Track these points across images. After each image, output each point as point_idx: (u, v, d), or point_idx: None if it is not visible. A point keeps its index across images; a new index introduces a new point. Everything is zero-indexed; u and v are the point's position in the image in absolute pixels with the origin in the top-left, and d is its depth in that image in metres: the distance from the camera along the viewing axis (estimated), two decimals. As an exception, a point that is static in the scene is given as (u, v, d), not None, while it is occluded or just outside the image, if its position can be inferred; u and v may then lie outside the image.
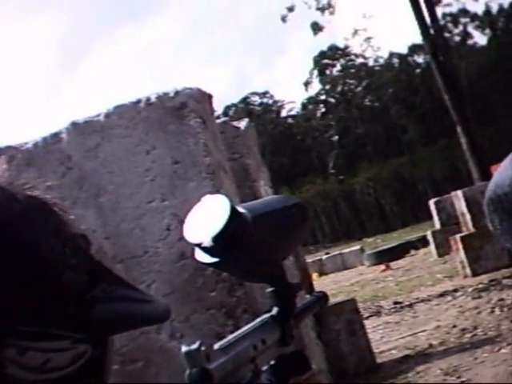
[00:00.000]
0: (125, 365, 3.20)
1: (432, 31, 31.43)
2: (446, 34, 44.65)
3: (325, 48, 77.78)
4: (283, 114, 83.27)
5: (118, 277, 0.77)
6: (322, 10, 39.79)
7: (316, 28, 44.39)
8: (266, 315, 1.02)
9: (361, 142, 78.79)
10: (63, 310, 0.66)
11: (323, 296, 1.15)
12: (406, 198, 72.50)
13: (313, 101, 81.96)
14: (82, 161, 3.28)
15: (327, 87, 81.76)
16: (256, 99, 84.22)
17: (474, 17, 72.77)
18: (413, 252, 26.21)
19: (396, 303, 12.91)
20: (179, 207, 3.24)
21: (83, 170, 3.28)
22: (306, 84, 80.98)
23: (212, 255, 0.94)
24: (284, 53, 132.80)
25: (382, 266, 23.02)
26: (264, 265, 1.03)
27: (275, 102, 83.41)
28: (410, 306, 12.62)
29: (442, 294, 12.85)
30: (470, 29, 74.47)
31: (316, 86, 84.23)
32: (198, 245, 0.93)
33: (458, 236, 14.83)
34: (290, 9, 41.74)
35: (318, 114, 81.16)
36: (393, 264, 23.30)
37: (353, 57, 79.49)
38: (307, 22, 44.38)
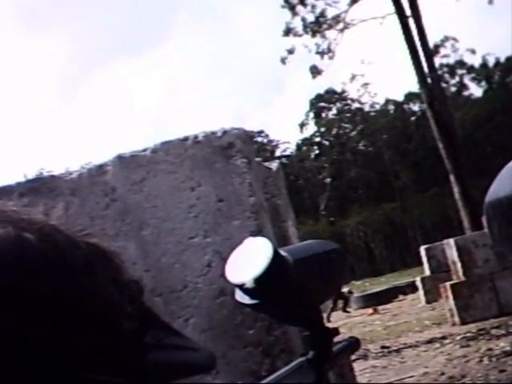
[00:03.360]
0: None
1: (429, 80, 31.80)
2: (443, 84, 45.15)
3: (322, 91, 78.46)
4: (277, 153, 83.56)
5: (165, 323, 0.79)
6: (321, 54, 40.18)
7: (315, 71, 44.74)
8: (302, 358, 1.03)
9: (353, 185, 79.06)
10: (118, 358, 0.67)
11: (355, 341, 1.17)
12: (396, 243, 72.58)
13: (307, 142, 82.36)
14: (126, 194, 3.32)
15: (322, 130, 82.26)
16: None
17: (470, 69, 73.71)
18: (401, 297, 26.20)
19: (383, 347, 12.84)
20: (221, 244, 3.28)
21: (127, 202, 3.31)
22: (302, 125, 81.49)
23: (252, 297, 0.95)
24: (282, 94, 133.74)
25: (370, 310, 23.00)
26: (303, 308, 1.04)
27: (270, 141, 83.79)
28: (398, 351, 12.56)
29: (430, 341, 12.82)
30: (467, 80, 75.42)
31: (311, 128, 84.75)
32: (240, 285, 0.95)
33: (447, 284, 14.89)
34: (290, 51, 42.13)
35: (312, 155, 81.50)
36: (380, 308, 23.27)
37: (349, 101, 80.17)
38: (306, 65, 44.70)
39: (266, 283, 0.94)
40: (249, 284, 0.94)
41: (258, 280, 0.93)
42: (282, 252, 0.98)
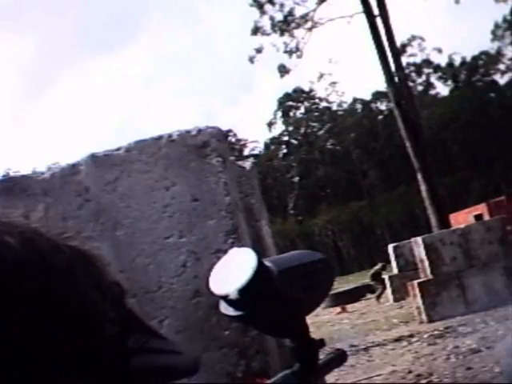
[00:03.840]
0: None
1: (396, 79, 32.03)
2: (410, 83, 45.54)
3: (290, 90, 78.68)
4: (246, 152, 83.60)
5: (148, 326, 0.77)
6: (289, 52, 40.26)
7: (283, 70, 44.82)
8: (288, 371, 1.01)
9: (321, 184, 79.36)
10: (101, 363, 0.66)
11: (342, 353, 1.15)
12: (364, 241, 73.03)
13: (275, 141, 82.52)
14: (99, 193, 3.27)
15: (290, 129, 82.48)
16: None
17: (437, 68, 74.43)
18: (369, 296, 26.33)
19: (351, 346, 12.86)
20: (197, 244, 3.24)
21: (101, 202, 3.27)
22: (270, 124, 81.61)
23: (236, 308, 0.94)
24: (250, 93, 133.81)
25: (338, 309, 23.07)
26: (288, 320, 1.02)
27: (238, 140, 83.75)
28: (366, 349, 12.60)
29: (398, 339, 12.88)
30: (433, 79, 76.17)
31: (279, 127, 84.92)
32: (224, 297, 0.93)
33: (415, 282, 15.00)
34: (259, 50, 42.14)
35: (280, 154, 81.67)
36: (349, 307, 23.35)
37: (317, 100, 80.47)
38: (275, 63, 44.76)
39: (251, 294, 0.92)
40: (233, 295, 0.92)
41: (242, 291, 0.91)
42: (267, 263, 0.96)
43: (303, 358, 1.03)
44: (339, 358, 1.14)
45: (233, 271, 0.95)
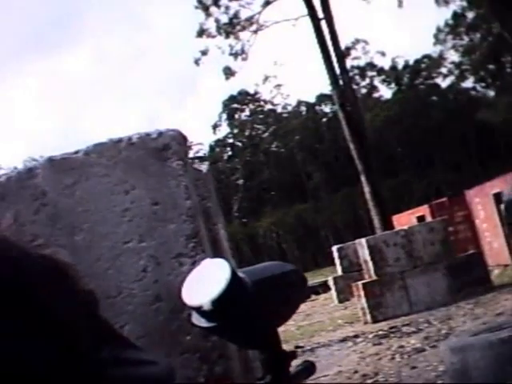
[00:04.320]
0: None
1: (341, 82, 32.39)
2: (354, 86, 46.04)
3: (235, 92, 78.73)
4: (190, 155, 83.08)
5: (122, 336, 0.76)
6: (234, 55, 40.34)
7: (228, 73, 44.83)
8: (260, 382, 1.03)
9: (266, 186, 79.61)
10: (76, 375, 0.65)
11: (311, 365, 1.16)
12: (308, 243, 73.48)
13: (220, 143, 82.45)
14: (57, 198, 3.21)
15: (235, 131, 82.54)
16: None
17: (380, 71, 75.48)
18: (314, 297, 26.53)
19: (297, 347, 12.95)
20: (157, 249, 3.21)
21: (58, 207, 3.21)
22: (215, 127, 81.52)
23: (209, 320, 0.94)
24: (195, 95, 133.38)
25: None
26: (260, 332, 1.03)
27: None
28: (312, 350, 12.71)
29: (343, 340, 13.04)
30: (377, 82, 77.20)
31: (224, 130, 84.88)
32: (197, 308, 0.93)
33: (360, 283, 15.22)
34: (204, 52, 42.08)
35: (225, 156, 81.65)
36: (293, 308, 23.49)
37: (262, 103, 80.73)
38: (220, 66, 44.76)
39: (224, 305, 0.91)
40: (206, 306, 0.91)
41: (216, 302, 0.91)
42: (240, 274, 0.95)
43: (275, 370, 1.03)
44: (308, 369, 1.15)
45: (206, 282, 0.93)
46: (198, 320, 0.96)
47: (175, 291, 3.20)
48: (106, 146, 3.28)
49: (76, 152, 3.30)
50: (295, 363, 1.14)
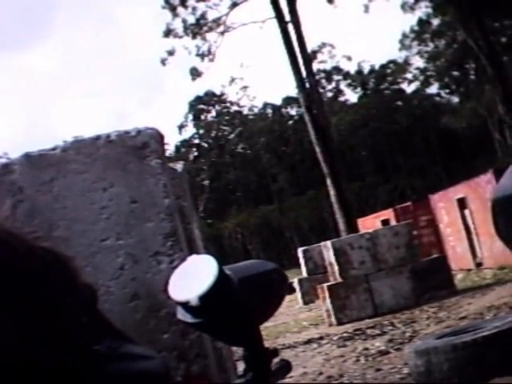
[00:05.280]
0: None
1: (307, 85, 32.54)
2: (320, 90, 46.26)
3: (201, 93, 78.57)
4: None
5: (119, 331, 0.77)
6: (201, 56, 40.26)
7: (195, 73, 44.74)
8: (241, 380, 1.05)
9: (231, 187, 79.60)
10: (74, 369, 0.66)
11: (287, 364, 1.18)
12: (273, 245, 73.60)
13: (186, 144, 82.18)
14: (34, 194, 3.19)
15: (201, 132, 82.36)
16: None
17: (346, 75, 75.94)
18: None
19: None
20: (135, 247, 3.20)
21: (35, 203, 3.18)
22: (181, 127, 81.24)
23: (195, 315, 0.94)
24: (162, 95, 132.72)
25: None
26: (245, 328, 1.05)
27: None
28: (277, 352, 12.77)
29: (308, 341, 13.07)
30: (343, 86, 77.66)
31: (190, 130, 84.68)
32: (183, 304, 0.94)
33: (325, 285, 15.30)
34: (171, 52, 41.94)
35: (191, 157, 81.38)
36: (259, 310, 23.50)
37: (228, 104, 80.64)
38: (187, 66, 44.69)
39: (211, 302, 0.92)
40: (193, 302, 0.91)
41: (204, 298, 0.91)
42: (226, 270, 0.96)
43: (257, 368, 1.05)
44: (285, 368, 1.17)
45: (193, 278, 0.94)
46: (183, 315, 0.97)
47: (153, 289, 3.20)
48: (84, 142, 3.27)
49: (53, 148, 3.28)
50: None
